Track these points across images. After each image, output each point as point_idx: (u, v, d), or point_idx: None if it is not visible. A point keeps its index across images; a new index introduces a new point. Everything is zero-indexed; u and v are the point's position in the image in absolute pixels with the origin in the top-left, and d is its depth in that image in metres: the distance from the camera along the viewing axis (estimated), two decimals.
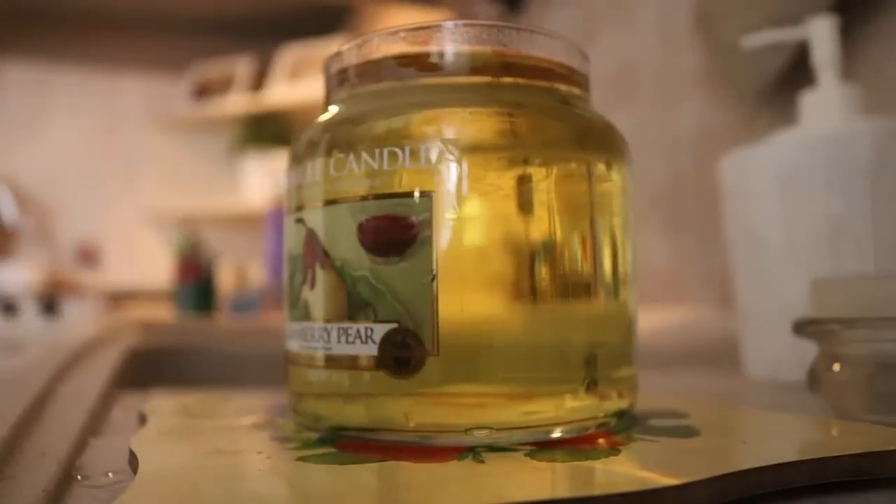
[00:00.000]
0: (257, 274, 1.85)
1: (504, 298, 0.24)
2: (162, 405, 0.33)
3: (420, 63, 0.26)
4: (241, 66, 2.70)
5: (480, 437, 0.23)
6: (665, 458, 0.22)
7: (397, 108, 0.26)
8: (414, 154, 0.24)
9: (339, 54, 0.28)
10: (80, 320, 1.78)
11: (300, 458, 0.22)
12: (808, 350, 0.33)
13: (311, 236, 0.26)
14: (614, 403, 0.26)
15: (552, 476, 0.20)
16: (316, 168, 0.26)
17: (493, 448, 0.23)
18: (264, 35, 2.65)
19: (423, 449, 0.23)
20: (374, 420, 0.24)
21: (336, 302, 0.25)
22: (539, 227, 0.24)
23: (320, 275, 0.25)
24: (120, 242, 2.76)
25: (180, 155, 2.85)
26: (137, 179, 2.81)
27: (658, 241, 0.89)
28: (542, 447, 0.23)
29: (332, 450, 0.23)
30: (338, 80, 0.28)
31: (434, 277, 0.23)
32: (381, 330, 0.24)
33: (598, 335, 0.26)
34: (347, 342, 0.24)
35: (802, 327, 0.33)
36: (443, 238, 0.24)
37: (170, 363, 0.83)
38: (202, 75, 2.76)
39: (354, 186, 0.25)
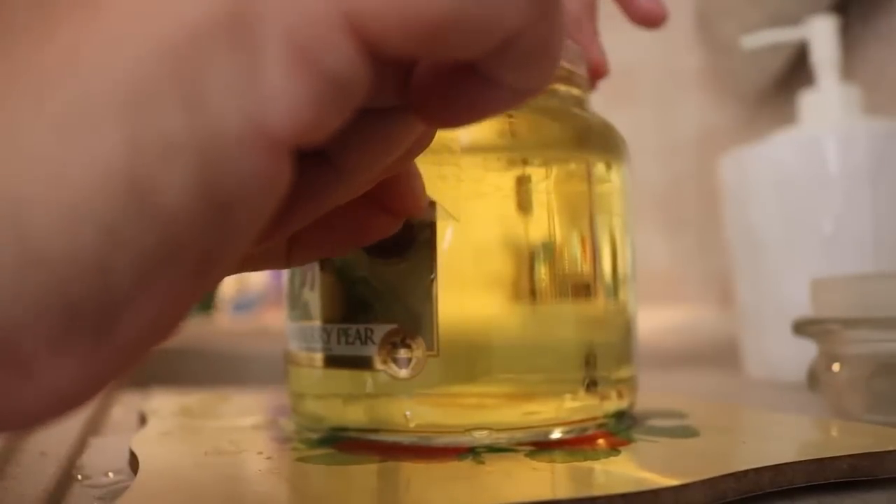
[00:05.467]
0: (258, 274, 1.85)
1: (504, 299, 0.24)
2: (162, 405, 0.33)
3: None
4: None
5: (480, 437, 0.23)
6: (665, 459, 0.22)
7: None
8: None
9: None
10: None
11: (300, 459, 0.22)
12: (808, 350, 0.33)
13: None
14: (614, 403, 0.26)
15: (552, 476, 0.20)
16: None
17: (493, 448, 0.23)
18: None
19: (423, 449, 0.23)
20: (374, 420, 0.24)
21: (336, 302, 0.25)
22: (538, 228, 0.24)
23: (320, 275, 0.25)
24: None
25: None
26: None
27: (658, 241, 0.89)
28: (542, 447, 0.23)
29: (332, 450, 0.23)
30: None
31: (434, 278, 0.23)
32: (380, 330, 0.24)
33: (597, 335, 0.26)
34: (347, 343, 0.24)
35: (802, 327, 0.33)
36: (443, 239, 0.24)
37: (170, 363, 0.83)
38: None
39: None
